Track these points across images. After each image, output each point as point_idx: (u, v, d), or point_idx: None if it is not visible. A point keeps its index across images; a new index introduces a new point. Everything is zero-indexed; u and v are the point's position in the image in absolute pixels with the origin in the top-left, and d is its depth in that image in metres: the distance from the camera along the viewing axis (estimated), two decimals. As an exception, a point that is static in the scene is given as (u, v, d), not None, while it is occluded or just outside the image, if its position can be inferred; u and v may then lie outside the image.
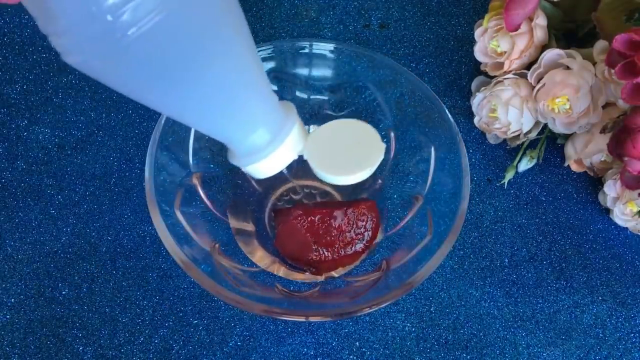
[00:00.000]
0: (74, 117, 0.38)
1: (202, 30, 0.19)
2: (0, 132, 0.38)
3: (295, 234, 0.31)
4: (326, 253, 0.31)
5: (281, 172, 0.28)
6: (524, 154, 0.38)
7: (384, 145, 0.27)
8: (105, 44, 0.17)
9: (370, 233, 0.32)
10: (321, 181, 0.34)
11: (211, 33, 0.19)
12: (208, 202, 0.32)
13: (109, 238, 0.35)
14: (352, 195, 0.35)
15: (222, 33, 0.20)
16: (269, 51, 0.32)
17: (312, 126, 0.34)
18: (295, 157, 0.26)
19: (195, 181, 0.31)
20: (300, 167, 0.36)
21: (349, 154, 0.27)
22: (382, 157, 0.26)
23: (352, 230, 0.31)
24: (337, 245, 0.31)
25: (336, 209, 0.32)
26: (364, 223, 0.32)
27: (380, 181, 0.34)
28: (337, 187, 0.35)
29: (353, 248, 0.31)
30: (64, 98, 0.39)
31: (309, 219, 0.31)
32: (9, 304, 0.33)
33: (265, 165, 0.25)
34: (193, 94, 0.20)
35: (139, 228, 0.35)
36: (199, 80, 0.20)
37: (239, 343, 0.33)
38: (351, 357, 0.33)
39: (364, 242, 0.32)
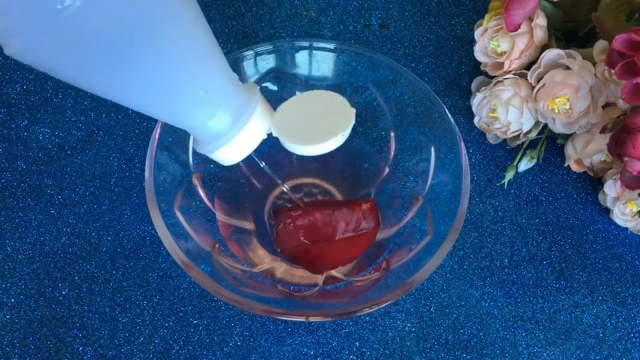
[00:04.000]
0: (74, 117, 0.38)
1: (148, 3, 0.18)
2: (0, 132, 0.38)
3: (295, 233, 0.31)
4: (326, 252, 0.31)
5: (272, 175, 0.27)
6: (524, 154, 0.38)
7: (353, 110, 0.25)
8: (44, 18, 0.16)
9: (370, 232, 0.32)
10: (321, 179, 0.34)
11: (159, 6, 0.18)
12: (208, 202, 0.32)
13: (109, 238, 0.35)
14: (352, 193, 0.35)
15: (172, 3, 0.19)
16: (269, 51, 0.32)
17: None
18: (264, 137, 0.25)
19: (195, 181, 0.31)
20: (298, 165, 0.36)
21: (319, 122, 0.25)
22: (353, 121, 0.25)
23: (352, 229, 0.31)
24: (337, 244, 0.31)
25: (336, 208, 0.32)
26: (364, 222, 0.32)
27: (380, 181, 0.34)
28: (337, 186, 0.35)
29: (354, 246, 0.31)
30: (64, 98, 0.39)
31: (308, 218, 0.31)
32: (9, 304, 0.33)
33: (231, 149, 0.24)
34: (142, 73, 0.19)
35: (139, 228, 0.35)
36: (147, 56, 0.18)
37: (239, 343, 0.33)
38: (351, 357, 0.33)
39: (364, 240, 0.32)
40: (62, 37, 0.17)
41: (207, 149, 0.24)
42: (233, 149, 0.24)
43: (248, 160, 0.30)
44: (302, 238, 0.31)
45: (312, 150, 0.25)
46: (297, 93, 0.26)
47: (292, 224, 0.31)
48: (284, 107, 0.26)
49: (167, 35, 0.19)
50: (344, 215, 0.31)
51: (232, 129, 0.23)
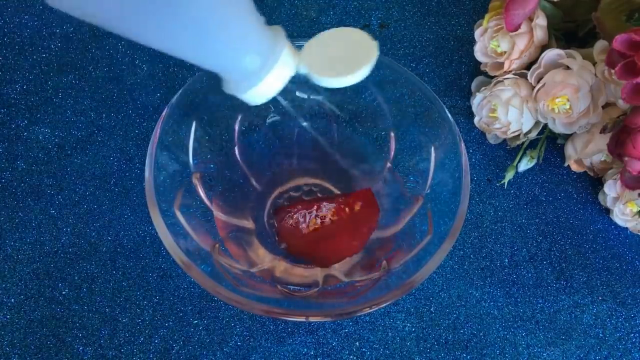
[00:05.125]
0: (74, 117, 0.38)
1: None
2: (0, 132, 0.38)
3: (296, 227, 0.31)
4: (330, 244, 0.31)
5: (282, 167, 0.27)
6: (524, 154, 0.38)
7: (376, 42, 0.27)
8: None
9: (371, 219, 0.32)
10: (321, 179, 0.34)
11: None
12: (208, 202, 0.32)
13: (109, 238, 0.35)
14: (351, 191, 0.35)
15: None
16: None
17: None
18: (292, 74, 0.26)
19: (195, 181, 0.31)
20: (298, 165, 0.36)
21: (345, 55, 0.27)
22: (377, 53, 0.26)
23: (351, 218, 0.32)
24: (339, 235, 0.31)
25: (333, 200, 0.32)
26: (362, 209, 0.32)
27: (380, 180, 0.34)
28: (338, 186, 0.35)
29: (356, 236, 0.32)
30: (64, 98, 0.39)
31: (307, 212, 0.31)
32: (9, 304, 0.33)
33: (261, 88, 0.25)
34: (181, 12, 0.20)
35: (139, 228, 0.35)
36: (185, 1, 0.19)
37: (239, 343, 0.33)
38: (351, 357, 0.33)
39: (365, 228, 0.32)
40: None
41: (240, 87, 0.24)
42: (264, 87, 0.24)
43: (248, 158, 0.30)
44: (303, 232, 0.31)
45: (342, 82, 0.26)
46: (320, 33, 0.28)
47: (292, 220, 0.31)
48: (309, 45, 0.27)
49: None
50: (341, 205, 0.32)
51: (263, 68, 0.24)
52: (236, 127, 0.34)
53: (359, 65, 0.26)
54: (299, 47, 0.33)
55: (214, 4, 0.20)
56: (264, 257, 0.32)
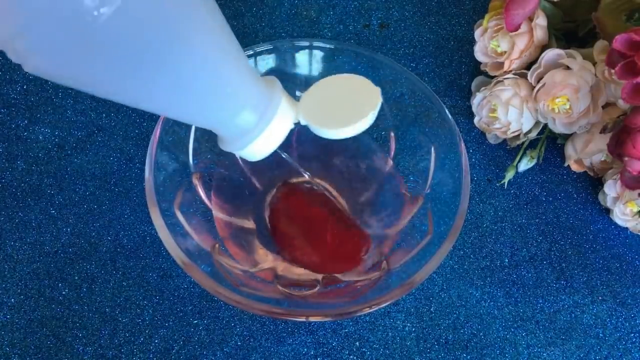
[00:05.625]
0: (74, 117, 0.38)
1: (177, 4, 0.18)
2: (0, 132, 0.38)
3: (285, 208, 0.32)
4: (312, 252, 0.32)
5: (282, 165, 0.27)
6: (524, 154, 0.38)
7: (378, 89, 0.25)
8: (74, 30, 0.15)
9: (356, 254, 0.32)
10: (321, 179, 0.34)
11: (187, 7, 0.18)
12: (208, 202, 0.32)
13: (109, 238, 0.35)
14: (352, 192, 0.35)
15: (198, 6, 0.19)
16: (269, 51, 0.32)
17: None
18: (291, 127, 0.25)
19: (195, 181, 0.31)
20: (298, 164, 0.36)
21: (346, 104, 0.25)
22: (380, 99, 0.25)
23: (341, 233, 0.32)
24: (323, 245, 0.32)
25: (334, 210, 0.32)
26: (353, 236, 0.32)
27: (380, 180, 0.34)
28: (337, 185, 0.35)
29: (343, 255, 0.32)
30: (64, 98, 0.39)
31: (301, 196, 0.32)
32: (9, 304, 0.33)
33: (259, 145, 0.24)
34: (171, 76, 0.19)
35: (139, 228, 0.35)
36: (176, 58, 0.18)
37: (239, 343, 0.33)
38: (351, 357, 0.33)
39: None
40: (93, 46, 0.16)
41: (236, 146, 0.24)
42: (262, 144, 0.24)
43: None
44: (291, 214, 0.32)
45: (345, 133, 0.25)
46: (319, 81, 0.26)
47: (284, 197, 0.32)
48: (308, 94, 0.26)
49: (195, 34, 0.19)
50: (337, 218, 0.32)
51: (260, 124, 0.23)
52: (236, 127, 0.34)
53: (361, 114, 0.24)
54: (300, 48, 0.33)
55: (202, 61, 0.19)
56: (264, 257, 0.32)
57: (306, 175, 0.32)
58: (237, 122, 0.23)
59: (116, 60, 0.17)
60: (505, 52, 0.36)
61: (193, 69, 0.19)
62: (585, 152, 0.35)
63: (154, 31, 0.17)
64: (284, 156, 0.28)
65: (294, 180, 0.35)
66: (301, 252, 0.31)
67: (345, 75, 0.26)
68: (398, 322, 0.34)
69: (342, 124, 0.24)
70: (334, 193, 0.36)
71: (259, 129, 0.23)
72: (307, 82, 0.34)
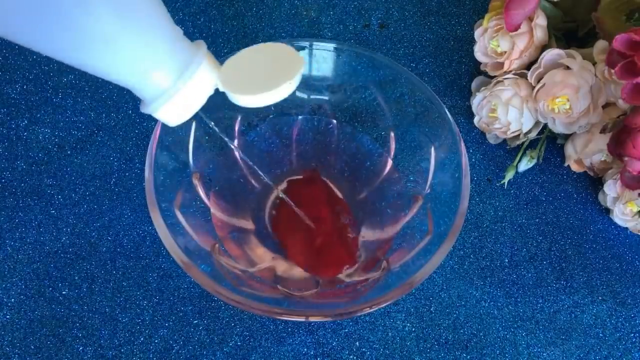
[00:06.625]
0: (74, 117, 0.38)
1: None
2: (0, 132, 0.38)
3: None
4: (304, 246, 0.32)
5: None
6: (524, 154, 0.38)
7: (301, 58, 0.25)
8: None
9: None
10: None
11: None
12: (208, 202, 0.32)
13: (109, 238, 0.35)
14: (352, 192, 0.35)
15: None
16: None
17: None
18: (210, 93, 0.24)
19: (195, 181, 0.31)
20: (297, 164, 0.36)
21: (266, 72, 0.24)
22: (301, 70, 0.24)
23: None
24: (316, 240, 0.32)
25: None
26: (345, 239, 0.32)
27: (380, 180, 0.34)
28: (337, 184, 0.35)
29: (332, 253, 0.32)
30: (64, 98, 0.39)
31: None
32: (9, 304, 0.33)
33: (175, 106, 0.23)
34: (69, 23, 0.18)
35: (139, 228, 0.35)
36: (77, 6, 0.18)
37: (239, 343, 0.33)
38: (351, 357, 0.33)
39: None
40: None
41: (151, 107, 0.23)
42: (177, 106, 0.23)
43: (248, 158, 0.30)
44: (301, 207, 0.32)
45: (255, 101, 0.24)
46: (245, 49, 0.25)
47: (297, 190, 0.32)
48: (230, 61, 0.25)
49: None
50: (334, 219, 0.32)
51: (176, 84, 0.22)
52: (236, 127, 0.34)
53: (275, 84, 0.23)
54: (300, 48, 0.33)
55: (113, 14, 0.19)
56: (263, 257, 0.32)
57: (233, 146, 0.31)
58: (150, 82, 0.22)
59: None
60: (505, 52, 0.36)
61: (94, 17, 0.18)
62: (585, 152, 0.35)
63: None
64: (211, 125, 0.27)
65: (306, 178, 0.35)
66: (294, 247, 0.32)
67: (272, 43, 0.25)
68: (398, 322, 0.34)
69: (253, 91, 0.23)
70: (335, 192, 0.36)
71: (175, 89, 0.22)
72: (307, 83, 0.34)
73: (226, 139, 0.28)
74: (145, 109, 0.23)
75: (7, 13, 0.17)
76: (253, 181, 0.35)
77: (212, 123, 0.27)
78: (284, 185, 0.35)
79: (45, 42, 0.19)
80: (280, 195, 0.32)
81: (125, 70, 0.21)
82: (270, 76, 0.24)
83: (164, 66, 0.22)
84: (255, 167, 0.30)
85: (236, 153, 0.30)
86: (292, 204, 0.32)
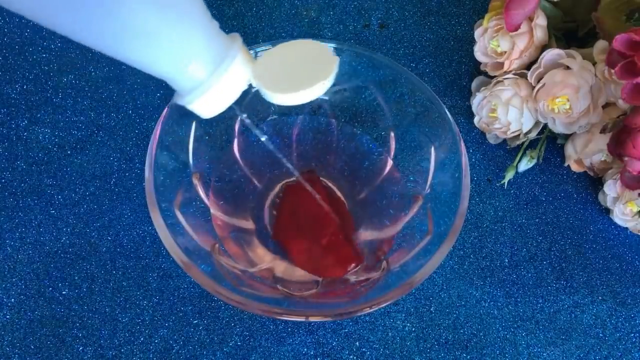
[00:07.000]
0: (74, 117, 0.38)
1: None
2: (0, 132, 0.38)
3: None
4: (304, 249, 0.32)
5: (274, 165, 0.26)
6: (524, 154, 0.38)
7: (336, 58, 0.25)
8: None
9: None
10: (321, 177, 0.34)
11: None
12: (208, 202, 0.32)
13: (109, 238, 0.35)
14: (352, 192, 0.35)
15: None
16: (269, 51, 0.32)
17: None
18: (244, 88, 0.24)
19: (195, 181, 0.31)
20: (298, 164, 0.36)
21: (300, 70, 0.24)
22: (335, 69, 0.24)
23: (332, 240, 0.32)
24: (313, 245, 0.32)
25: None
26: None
27: (380, 180, 0.34)
28: (337, 184, 0.35)
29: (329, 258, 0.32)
30: (64, 98, 0.39)
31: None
32: (9, 304, 0.33)
33: (210, 99, 0.23)
34: (112, 15, 0.18)
35: (139, 228, 0.35)
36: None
37: (239, 343, 0.33)
38: (351, 357, 0.33)
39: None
40: None
41: (186, 99, 0.23)
42: (212, 99, 0.23)
43: (248, 158, 0.30)
44: (299, 208, 0.32)
45: (289, 99, 0.24)
46: (279, 45, 0.25)
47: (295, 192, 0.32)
48: (265, 56, 0.25)
49: None
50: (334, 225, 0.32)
51: (211, 78, 0.22)
52: (236, 127, 0.34)
53: (312, 81, 0.24)
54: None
55: (153, 7, 0.19)
56: (263, 257, 0.32)
57: (263, 139, 0.31)
58: (187, 73, 0.22)
59: None
60: (505, 52, 0.36)
61: (135, 10, 0.19)
62: (585, 152, 0.35)
63: None
64: (242, 117, 0.28)
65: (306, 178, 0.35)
66: (297, 248, 0.32)
67: (307, 40, 0.25)
68: (398, 322, 0.34)
69: (287, 89, 0.24)
70: (335, 192, 0.36)
71: (210, 82, 0.22)
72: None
73: (257, 132, 0.29)
74: (180, 101, 0.23)
75: (49, 3, 0.18)
76: (254, 180, 0.35)
77: (245, 115, 0.27)
78: (283, 185, 0.35)
79: (88, 34, 0.20)
80: (303, 184, 0.32)
81: (163, 62, 0.22)
82: (305, 74, 0.24)
83: (201, 59, 0.22)
84: (280, 155, 0.29)
85: (269, 147, 0.29)
86: (315, 192, 0.32)
